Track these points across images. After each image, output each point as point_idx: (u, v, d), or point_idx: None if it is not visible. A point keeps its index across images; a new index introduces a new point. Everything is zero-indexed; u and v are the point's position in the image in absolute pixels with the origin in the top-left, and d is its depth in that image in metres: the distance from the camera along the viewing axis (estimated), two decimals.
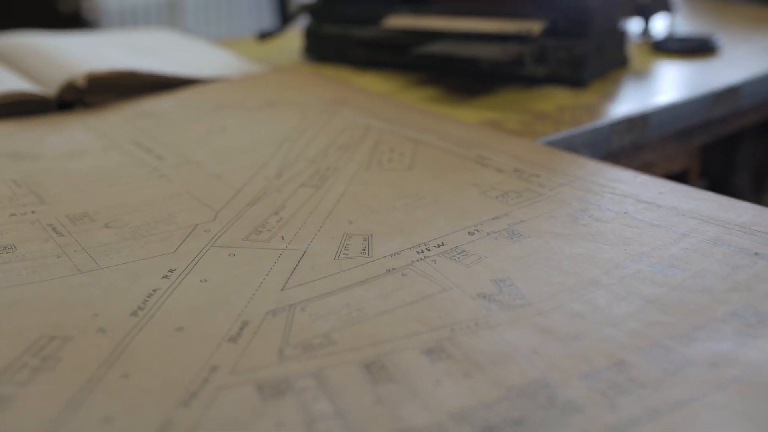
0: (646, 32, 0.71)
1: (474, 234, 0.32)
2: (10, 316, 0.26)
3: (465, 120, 0.48)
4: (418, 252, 0.31)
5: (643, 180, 0.36)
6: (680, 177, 0.56)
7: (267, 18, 2.02)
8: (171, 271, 0.30)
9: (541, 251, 0.30)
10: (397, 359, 0.24)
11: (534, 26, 0.54)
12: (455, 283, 0.28)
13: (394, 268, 0.29)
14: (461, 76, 0.59)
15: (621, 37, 0.59)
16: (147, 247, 0.32)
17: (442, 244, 0.31)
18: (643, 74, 0.60)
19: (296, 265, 0.30)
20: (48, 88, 0.54)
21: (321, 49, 0.68)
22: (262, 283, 0.29)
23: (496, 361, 0.23)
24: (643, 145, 0.51)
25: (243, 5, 1.96)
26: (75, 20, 1.61)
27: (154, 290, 0.28)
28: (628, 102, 0.52)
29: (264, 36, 0.71)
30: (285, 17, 2.17)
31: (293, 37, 0.76)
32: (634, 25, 0.74)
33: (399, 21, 0.61)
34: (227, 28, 1.89)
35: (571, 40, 0.55)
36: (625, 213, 0.33)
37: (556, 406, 0.21)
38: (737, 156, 0.71)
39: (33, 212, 0.36)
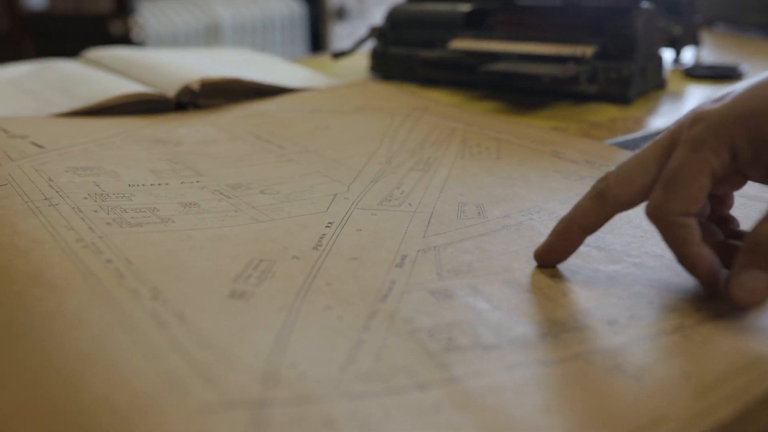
0: (677, 60, 0.79)
1: (565, 204, 0.40)
2: (222, 246, 0.34)
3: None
4: (522, 215, 0.39)
5: None
6: None
7: (299, 47, 2.12)
8: (330, 223, 0.38)
9: (621, 215, 0.38)
10: (525, 279, 0.31)
11: (587, 50, 0.63)
12: None
13: (507, 225, 0.37)
14: (518, 93, 0.67)
15: (659, 62, 0.68)
16: (303, 207, 0.40)
17: (541, 210, 0.39)
18: (678, 95, 0.68)
19: (429, 221, 0.38)
20: (163, 92, 0.62)
21: (387, 68, 0.77)
22: (406, 232, 0.36)
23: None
24: None
25: (277, 34, 2.06)
26: (125, 41, 1.71)
27: (323, 235, 0.36)
28: (669, 116, 0.60)
29: (337, 55, 0.79)
30: (316, 47, 2.28)
31: (360, 58, 0.84)
32: (667, 55, 0.82)
33: (463, 43, 0.69)
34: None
35: (619, 62, 0.63)
36: None
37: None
38: None
39: (198, 181, 0.43)
